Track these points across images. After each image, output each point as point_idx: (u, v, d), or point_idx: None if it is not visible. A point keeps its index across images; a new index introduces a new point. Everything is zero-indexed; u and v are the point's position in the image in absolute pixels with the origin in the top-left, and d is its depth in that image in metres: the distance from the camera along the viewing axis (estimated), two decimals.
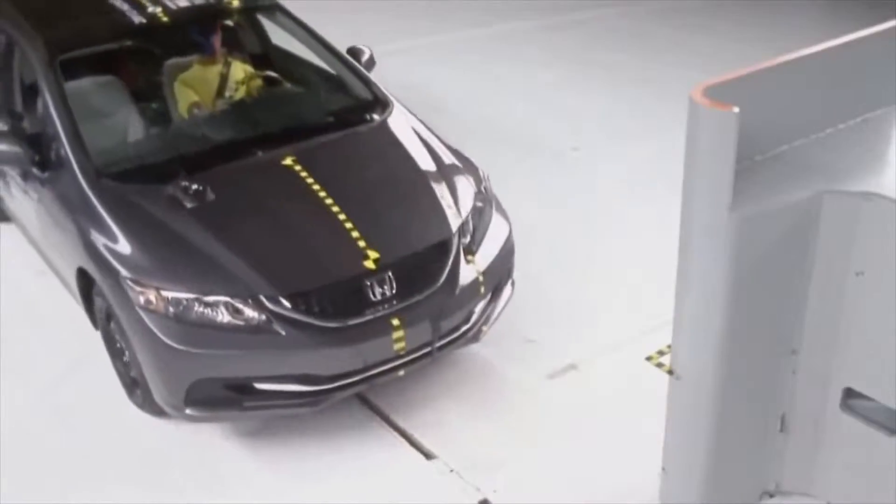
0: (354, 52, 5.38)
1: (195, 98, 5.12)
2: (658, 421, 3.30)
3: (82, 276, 4.33)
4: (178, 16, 5.11)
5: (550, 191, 6.09)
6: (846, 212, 2.72)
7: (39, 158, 4.60)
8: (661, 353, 4.52)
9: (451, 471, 3.91)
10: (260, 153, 4.53)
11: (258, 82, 5.25)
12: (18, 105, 5.17)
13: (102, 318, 4.35)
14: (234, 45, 5.45)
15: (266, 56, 5.86)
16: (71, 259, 4.44)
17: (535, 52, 8.67)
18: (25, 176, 4.79)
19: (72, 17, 5.21)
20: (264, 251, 4.04)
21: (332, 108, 5.09)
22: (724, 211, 2.73)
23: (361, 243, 4.03)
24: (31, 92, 5.02)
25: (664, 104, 6.74)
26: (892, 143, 3.01)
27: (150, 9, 5.08)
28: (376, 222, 4.19)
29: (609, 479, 3.86)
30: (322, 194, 4.23)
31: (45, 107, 4.68)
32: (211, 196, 4.19)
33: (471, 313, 4.25)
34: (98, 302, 4.32)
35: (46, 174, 4.59)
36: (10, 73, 5.19)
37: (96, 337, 4.49)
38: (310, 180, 4.30)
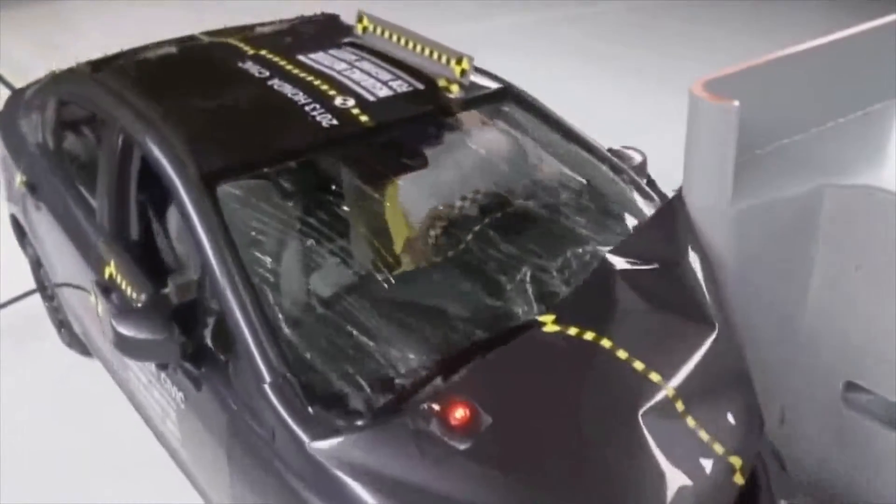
0: (618, 156, 3.65)
1: (408, 230, 3.39)
2: None
3: None
4: (382, 112, 3.22)
5: None
6: (847, 205, 2.73)
7: (189, 344, 2.82)
8: None
9: None
10: (543, 329, 2.72)
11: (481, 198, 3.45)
12: (133, 231, 3.38)
13: None
14: None
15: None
16: None
17: (539, 45, 8.67)
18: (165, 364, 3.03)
19: (229, 117, 3.30)
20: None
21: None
22: (724, 205, 2.75)
23: (722, 451, 2.52)
24: (151, 209, 3.38)
25: (669, 96, 6.74)
26: (893, 137, 3.02)
27: (339, 101, 3.24)
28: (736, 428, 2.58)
29: None
30: (671, 393, 2.57)
31: (210, 275, 2.79)
32: (486, 420, 2.44)
33: None
34: None
35: (203, 370, 2.85)
36: (124, 185, 3.37)
37: None
38: (639, 365, 2.63)
